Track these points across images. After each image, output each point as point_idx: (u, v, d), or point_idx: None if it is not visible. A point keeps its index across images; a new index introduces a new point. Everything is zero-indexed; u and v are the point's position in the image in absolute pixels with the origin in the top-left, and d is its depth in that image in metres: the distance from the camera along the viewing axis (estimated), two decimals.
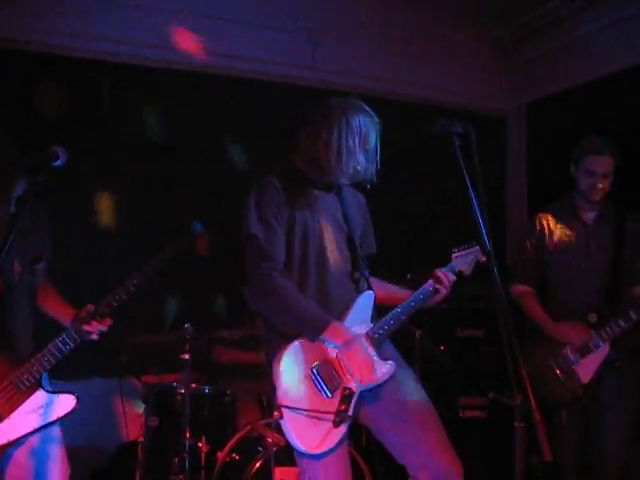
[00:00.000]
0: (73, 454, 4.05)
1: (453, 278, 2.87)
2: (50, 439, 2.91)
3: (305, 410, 2.56)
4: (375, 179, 2.82)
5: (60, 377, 3.20)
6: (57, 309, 3.06)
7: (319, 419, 2.57)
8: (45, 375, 2.89)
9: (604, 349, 3.36)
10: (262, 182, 2.77)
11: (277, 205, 2.72)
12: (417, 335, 4.24)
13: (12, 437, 2.77)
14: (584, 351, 3.38)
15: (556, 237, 3.58)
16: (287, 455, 3.50)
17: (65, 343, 2.85)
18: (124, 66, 4.92)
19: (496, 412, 4.59)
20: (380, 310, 2.88)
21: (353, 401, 2.62)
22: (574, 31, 5.60)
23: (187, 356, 3.82)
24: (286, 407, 2.55)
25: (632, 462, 3.51)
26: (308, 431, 2.57)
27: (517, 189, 6.04)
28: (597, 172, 3.45)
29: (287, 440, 2.61)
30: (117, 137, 4.80)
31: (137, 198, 4.88)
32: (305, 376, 2.61)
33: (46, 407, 2.84)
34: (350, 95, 2.91)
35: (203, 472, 3.81)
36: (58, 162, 2.51)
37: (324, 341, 2.66)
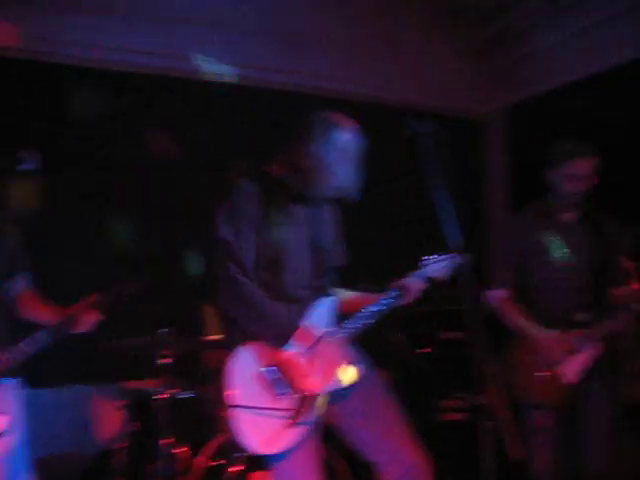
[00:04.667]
0: (52, 462, 4.05)
1: (420, 285, 2.85)
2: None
3: (257, 408, 2.53)
4: (357, 197, 2.81)
5: (38, 384, 3.20)
6: (39, 311, 3.09)
7: (271, 418, 2.55)
8: None
9: (589, 350, 3.30)
10: (237, 186, 2.76)
11: (250, 210, 2.72)
12: (395, 338, 4.24)
13: None
14: (569, 351, 3.32)
15: (535, 239, 3.52)
16: (263, 460, 3.50)
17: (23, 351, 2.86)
18: (90, 70, 4.87)
19: (477, 414, 4.57)
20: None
21: (313, 404, 2.60)
22: (552, 34, 5.63)
23: (166, 361, 3.79)
24: (236, 406, 2.52)
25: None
26: (259, 430, 2.55)
27: (498, 191, 6.07)
28: (581, 175, 3.41)
29: (237, 441, 2.56)
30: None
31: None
32: (259, 373, 2.60)
33: None
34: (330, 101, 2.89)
35: (182, 478, 3.78)
36: (26, 166, 2.49)
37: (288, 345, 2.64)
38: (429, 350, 4.76)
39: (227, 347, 2.74)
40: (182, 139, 4.96)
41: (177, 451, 3.84)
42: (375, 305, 2.81)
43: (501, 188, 6.06)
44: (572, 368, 3.30)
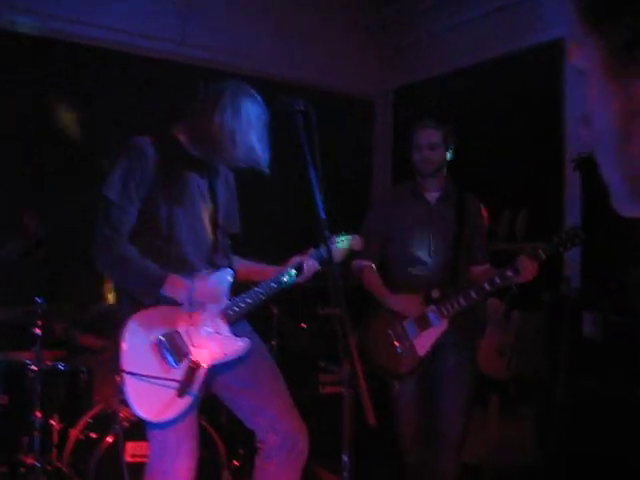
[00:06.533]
0: None
1: (315, 267, 2.92)
2: None
3: (147, 376, 2.54)
4: (264, 169, 2.82)
5: None
6: None
7: (162, 387, 2.57)
8: None
9: (442, 324, 3.42)
10: (134, 146, 2.70)
11: (143, 174, 2.67)
12: (275, 312, 4.30)
13: None
14: (423, 325, 3.45)
15: (401, 216, 3.66)
16: (139, 430, 3.49)
17: None
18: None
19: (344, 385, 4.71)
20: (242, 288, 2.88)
21: (199, 375, 2.63)
22: (442, 20, 5.79)
23: (39, 331, 3.72)
24: (128, 373, 2.53)
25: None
26: (150, 399, 2.57)
27: (382, 171, 6.22)
28: (423, 144, 3.54)
29: (129, 407, 2.58)
30: None
31: None
32: (151, 343, 2.60)
33: None
34: (224, 75, 2.87)
35: (55, 450, 3.74)
36: None
37: (176, 309, 2.65)
38: (307, 325, 4.87)
39: (118, 314, 2.74)
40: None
41: (51, 423, 3.79)
42: (273, 281, 2.84)
43: (386, 167, 6.22)
44: (425, 341, 3.44)
